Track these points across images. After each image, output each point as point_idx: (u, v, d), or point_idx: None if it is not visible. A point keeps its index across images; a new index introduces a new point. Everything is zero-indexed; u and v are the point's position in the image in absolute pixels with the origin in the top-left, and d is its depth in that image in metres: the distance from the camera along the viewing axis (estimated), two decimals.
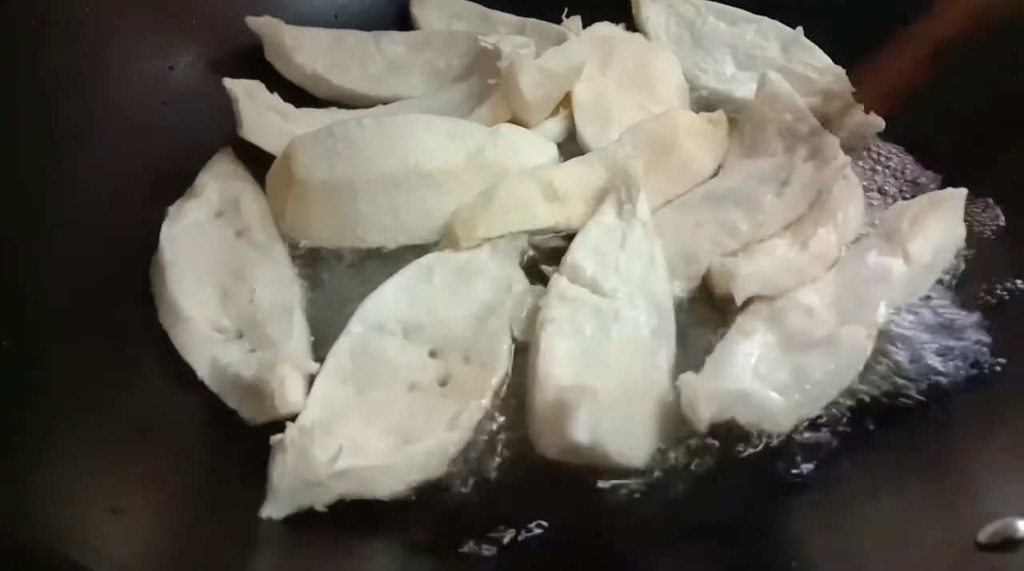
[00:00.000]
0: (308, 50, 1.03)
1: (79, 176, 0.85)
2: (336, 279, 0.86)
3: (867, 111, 0.97)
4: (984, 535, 0.59)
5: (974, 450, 0.70)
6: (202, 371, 0.77)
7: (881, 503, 0.67)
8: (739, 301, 0.80)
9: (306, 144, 0.86)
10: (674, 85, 1.07)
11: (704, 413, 0.69)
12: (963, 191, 0.86)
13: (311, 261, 0.87)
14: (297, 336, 0.79)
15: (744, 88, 1.06)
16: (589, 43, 1.06)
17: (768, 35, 1.12)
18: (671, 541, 0.68)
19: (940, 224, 0.85)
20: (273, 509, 0.66)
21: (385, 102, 1.01)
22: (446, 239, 0.87)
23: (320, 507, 0.67)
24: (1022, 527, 0.59)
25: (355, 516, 0.68)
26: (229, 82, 0.92)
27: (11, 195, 0.80)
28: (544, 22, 1.08)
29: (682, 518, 0.69)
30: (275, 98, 0.97)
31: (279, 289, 0.82)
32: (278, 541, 0.68)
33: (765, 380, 0.74)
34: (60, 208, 0.83)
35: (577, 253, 0.83)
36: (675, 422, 0.72)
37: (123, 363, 0.77)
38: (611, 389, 0.71)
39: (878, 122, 0.97)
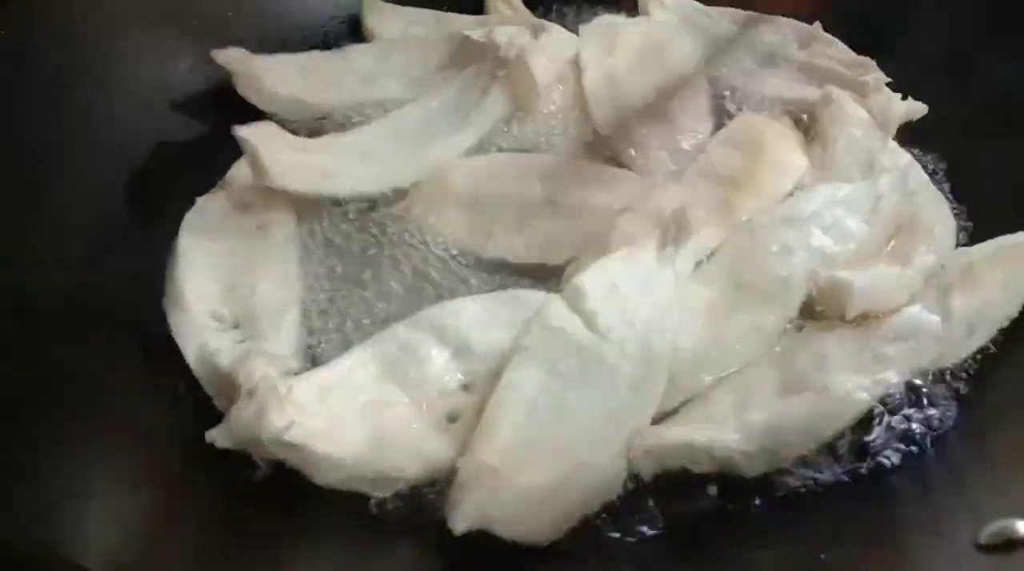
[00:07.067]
0: (280, 77, 1.00)
1: (78, 177, 0.86)
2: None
3: (904, 98, 0.94)
4: (984, 535, 0.58)
5: (973, 451, 0.68)
6: (190, 356, 0.77)
7: (880, 503, 0.66)
8: (850, 316, 0.75)
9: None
10: (687, 56, 1.06)
11: (646, 469, 0.67)
12: None
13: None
14: (286, 334, 0.79)
15: (769, 86, 1.03)
16: (593, 31, 1.06)
17: (785, 33, 1.09)
18: None
19: (999, 278, 0.76)
20: (219, 436, 0.67)
21: (370, 114, 0.99)
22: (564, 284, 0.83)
23: (259, 460, 0.68)
24: (1022, 527, 0.57)
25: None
26: (242, 130, 0.86)
27: (11, 195, 0.81)
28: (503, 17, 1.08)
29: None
30: (287, 134, 0.93)
31: (281, 286, 0.83)
32: (287, 542, 0.68)
33: (734, 421, 0.69)
34: (59, 208, 0.84)
35: (587, 277, 0.77)
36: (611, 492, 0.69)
37: (127, 364, 0.77)
38: (547, 458, 0.68)
39: (920, 107, 0.94)
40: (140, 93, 0.94)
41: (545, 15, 1.13)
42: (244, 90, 0.99)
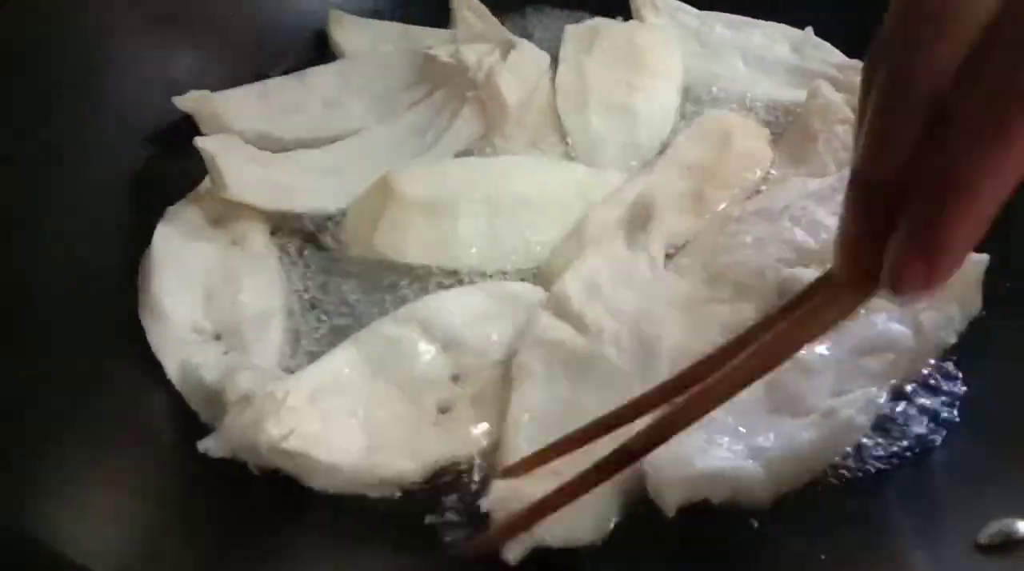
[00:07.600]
0: (242, 113, 0.97)
1: (78, 177, 0.86)
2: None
3: None
4: (984, 535, 0.58)
5: (972, 450, 0.69)
6: (171, 370, 0.76)
7: (880, 503, 0.66)
8: None
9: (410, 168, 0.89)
10: (665, 55, 1.06)
11: (672, 501, 0.64)
12: (984, 258, 0.77)
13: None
14: (272, 343, 0.79)
15: (760, 87, 1.04)
16: (576, 31, 1.07)
17: (776, 37, 1.10)
18: None
19: (956, 294, 0.77)
20: (211, 445, 0.67)
21: (339, 138, 0.97)
22: (541, 278, 0.84)
23: (254, 468, 0.68)
24: (1022, 527, 0.57)
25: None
26: (201, 141, 0.86)
27: (11, 195, 0.81)
28: (473, 32, 1.08)
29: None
30: (250, 147, 0.92)
31: (265, 297, 0.82)
32: (282, 541, 0.68)
33: (745, 447, 0.67)
34: (59, 209, 0.83)
35: (567, 283, 0.76)
36: (640, 488, 0.67)
37: (125, 364, 0.77)
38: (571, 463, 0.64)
39: None
40: (140, 93, 0.94)
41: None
42: (210, 131, 0.95)
